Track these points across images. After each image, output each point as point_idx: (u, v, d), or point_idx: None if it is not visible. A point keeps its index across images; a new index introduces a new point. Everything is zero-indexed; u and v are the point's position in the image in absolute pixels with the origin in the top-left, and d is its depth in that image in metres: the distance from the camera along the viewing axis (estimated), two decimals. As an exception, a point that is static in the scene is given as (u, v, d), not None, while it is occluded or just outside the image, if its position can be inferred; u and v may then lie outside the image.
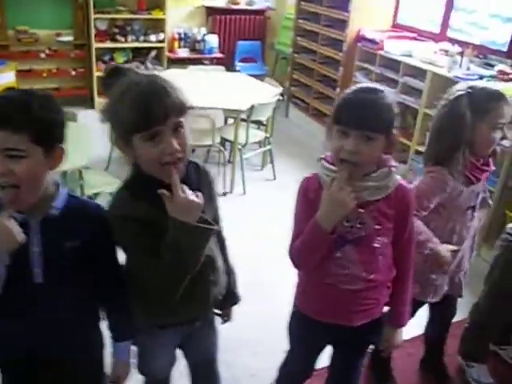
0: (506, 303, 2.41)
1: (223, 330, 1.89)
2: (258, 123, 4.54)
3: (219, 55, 6.74)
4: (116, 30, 6.34)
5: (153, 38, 6.42)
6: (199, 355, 1.89)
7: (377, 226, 1.59)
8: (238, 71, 6.62)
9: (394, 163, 1.61)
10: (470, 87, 1.95)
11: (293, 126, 6.03)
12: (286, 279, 1.89)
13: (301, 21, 5.99)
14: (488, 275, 2.45)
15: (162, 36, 6.42)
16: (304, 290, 1.79)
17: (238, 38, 6.93)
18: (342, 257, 1.61)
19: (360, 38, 4.99)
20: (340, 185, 1.48)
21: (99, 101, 6.02)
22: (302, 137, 5.67)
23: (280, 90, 4.55)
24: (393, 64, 4.61)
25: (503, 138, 1.99)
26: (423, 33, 4.91)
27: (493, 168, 2.08)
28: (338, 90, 5.28)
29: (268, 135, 4.48)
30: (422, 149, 4.31)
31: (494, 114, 1.90)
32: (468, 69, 4.08)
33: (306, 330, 1.85)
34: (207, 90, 4.46)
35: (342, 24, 5.17)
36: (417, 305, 2.17)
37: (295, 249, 1.64)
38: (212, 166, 4.63)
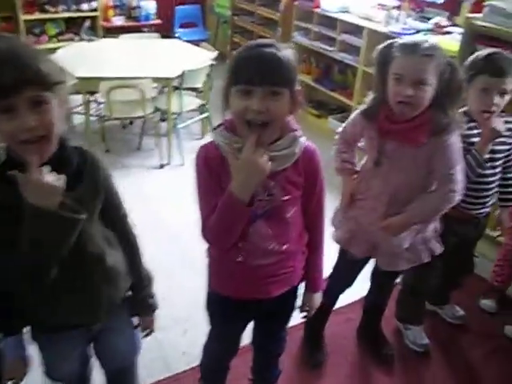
0: (433, 266, 2.36)
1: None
2: (195, 90, 4.35)
3: (157, 22, 6.47)
4: (44, 0, 5.98)
5: (85, 6, 6.09)
6: (112, 363, 1.76)
7: (286, 197, 1.49)
8: (178, 37, 6.38)
9: (297, 126, 1.50)
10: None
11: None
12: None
13: (237, -19, 5.76)
14: None
15: (94, 4, 6.11)
16: (216, 270, 1.68)
17: (176, 2, 6.64)
18: (253, 232, 1.50)
19: (296, -4, 4.81)
20: (251, 148, 1.36)
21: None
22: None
23: (215, 54, 4.36)
24: (331, 21, 4.47)
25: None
26: (360, -13, 4.76)
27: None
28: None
29: (204, 102, 4.30)
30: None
31: (395, 65, 1.75)
32: (405, 23, 3.97)
33: (224, 309, 1.75)
34: (137, 59, 4.25)
35: (278, -17, 4.97)
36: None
37: (211, 227, 1.48)
38: (149, 137, 4.46)
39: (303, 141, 1.49)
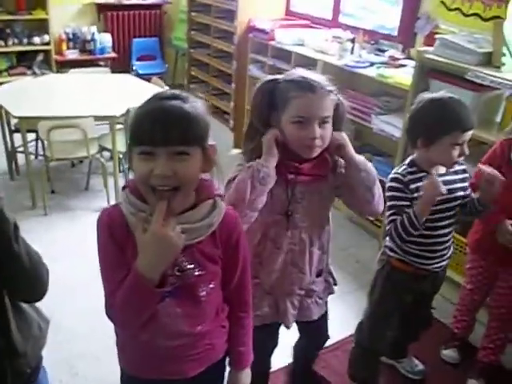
0: (386, 324, 2.19)
1: None
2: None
3: (113, 55, 6.29)
4: (-6, 34, 5.79)
5: (37, 40, 5.90)
6: None
7: (199, 272, 1.30)
8: (135, 71, 6.23)
9: (218, 191, 1.33)
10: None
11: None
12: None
13: (194, 13, 5.63)
14: (370, 293, 2.20)
15: (46, 38, 5.92)
16: (123, 347, 1.45)
17: (133, 35, 6.49)
18: (160, 311, 1.29)
19: (251, 29, 4.68)
20: (160, 219, 1.16)
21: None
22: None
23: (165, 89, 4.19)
24: (285, 54, 4.33)
25: None
26: (316, 20, 4.67)
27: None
28: (233, 85, 4.97)
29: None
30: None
31: (295, 107, 1.57)
32: (360, 56, 3.85)
33: None
34: (83, 96, 4.04)
35: (233, 14, 4.84)
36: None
37: (116, 308, 1.25)
38: (98, 176, 4.23)
39: (223, 207, 1.32)
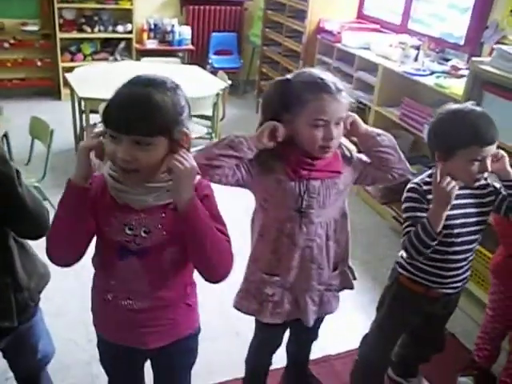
0: (390, 342, 2.11)
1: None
2: (207, 118, 4.27)
3: (190, 47, 6.44)
4: (83, 20, 6.10)
5: (120, 28, 6.16)
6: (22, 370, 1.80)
7: (165, 235, 1.36)
8: (210, 64, 6.35)
9: None
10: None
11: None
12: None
13: (269, 11, 5.66)
14: (378, 306, 2.12)
15: (129, 27, 6.16)
16: (95, 311, 1.55)
17: (213, 29, 6.62)
18: (124, 269, 1.39)
19: (320, 30, 4.65)
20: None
21: (65, 92, 5.77)
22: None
23: (225, 84, 4.26)
24: (350, 57, 4.27)
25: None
26: (386, 24, 4.55)
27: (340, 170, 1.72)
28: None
29: (210, 131, 4.18)
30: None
31: (312, 108, 1.57)
32: (423, 63, 3.72)
33: (108, 353, 1.62)
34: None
35: (304, 15, 4.81)
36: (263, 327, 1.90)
37: (51, 233, 1.37)
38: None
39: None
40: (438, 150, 1.78)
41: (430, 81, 3.41)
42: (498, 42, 3.30)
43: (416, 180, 1.86)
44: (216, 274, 1.38)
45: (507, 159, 1.75)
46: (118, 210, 1.34)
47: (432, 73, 3.53)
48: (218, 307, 2.69)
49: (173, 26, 6.29)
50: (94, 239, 1.41)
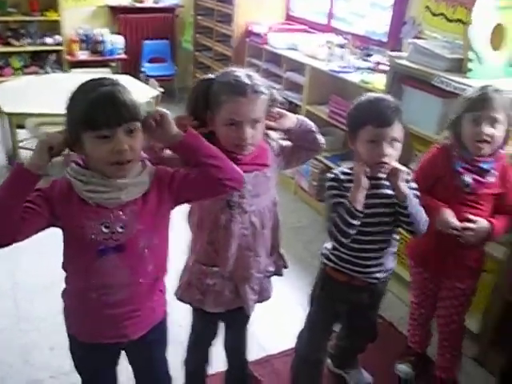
0: (324, 334, 2.14)
1: None
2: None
3: (123, 56, 6.37)
4: (9, 34, 5.94)
5: (50, 40, 6.03)
6: None
7: (140, 227, 1.46)
8: (143, 73, 6.29)
9: (144, 155, 1.51)
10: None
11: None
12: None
13: (199, 17, 5.69)
14: (310, 300, 2.15)
15: (58, 38, 6.04)
16: (71, 312, 1.59)
17: (145, 37, 6.56)
18: (105, 266, 1.46)
19: (248, 33, 4.69)
20: None
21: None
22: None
23: (155, 93, 4.24)
24: (278, 59, 4.32)
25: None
26: (313, 24, 4.64)
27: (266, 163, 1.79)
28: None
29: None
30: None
31: (226, 109, 1.62)
32: (349, 61, 3.80)
33: (85, 356, 1.64)
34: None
35: (232, 18, 4.85)
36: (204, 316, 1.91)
37: None
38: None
39: (151, 166, 1.51)
40: (347, 134, 1.89)
41: (355, 77, 3.49)
42: (416, 37, 3.40)
43: (335, 171, 1.94)
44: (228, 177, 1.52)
45: (402, 175, 1.79)
46: (90, 211, 1.40)
47: (357, 69, 3.61)
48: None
49: (103, 35, 6.20)
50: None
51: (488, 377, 2.49)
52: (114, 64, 6.34)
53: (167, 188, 1.51)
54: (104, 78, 1.40)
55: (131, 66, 6.37)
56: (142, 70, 6.36)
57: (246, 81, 1.62)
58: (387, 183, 1.84)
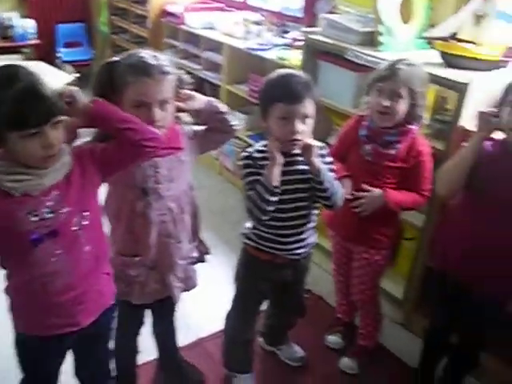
0: (250, 312, 2.15)
1: None
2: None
3: (36, 41, 6.06)
4: None
5: (-46, 27, 5.67)
6: None
7: (68, 209, 1.44)
8: (59, 58, 6.03)
9: None
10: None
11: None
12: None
13: (113, -3, 5.47)
14: (234, 280, 2.15)
15: (-38, 25, 5.69)
16: (19, 307, 1.55)
17: (58, 21, 6.27)
18: (43, 254, 1.44)
19: (164, 13, 4.57)
20: None
21: None
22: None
23: (69, 78, 4.08)
24: (196, 39, 4.23)
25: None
26: (230, 2, 4.58)
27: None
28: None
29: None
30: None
31: (133, 90, 1.60)
32: (266, 38, 3.77)
33: (35, 350, 1.60)
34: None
35: (147, -2, 4.71)
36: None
37: None
38: None
39: (67, 148, 1.48)
40: (260, 111, 1.86)
41: (272, 54, 3.48)
42: (330, 12, 3.42)
43: (249, 149, 1.92)
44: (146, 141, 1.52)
45: (315, 150, 1.79)
46: (14, 202, 1.37)
47: (274, 46, 3.60)
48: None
49: (13, 19, 5.86)
50: None
51: (414, 339, 2.57)
52: (26, 50, 6.03)
53: (90, 163, 1.51)
54: (13, 68, 1.35)
55: (45, 52, 6.07)
56: (58, 55, 6.10)
57: (152, 61, 1.61)
58: (302, 159, 1.84)
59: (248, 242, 2.02)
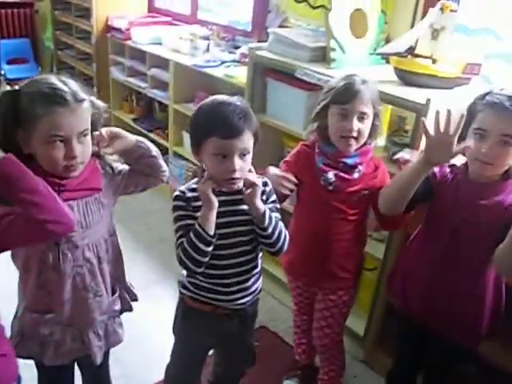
0: (192, 367, 1.91)
1: None
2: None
3: (-24, 59, 5.73)
4: None
5: None
6: None
7: None
8: (3, 75, 5.70)
9: None
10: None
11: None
12: None
13: (57, 12, 5.18)
14: (173, 330, 1.89)
15: None
16: None
17: (1, 36, 5.93)
18: None
19: (109, 28, 4.31)
20: None
21: None
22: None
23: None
24: (143, 55, 3.98)
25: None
26: (178, 16, 4.35)
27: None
28: (95, 89, 4.57)
29: None
30: (178, 150, 3.76)
31: (45, 124, 1.37)
32: (213, 54, 3.55)
33: None
34: None
35: (91, 13, 4.42)
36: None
37: None
38: None
39: None
40: (191, 144, 1.60)
41: (219, 72, 3.26)
42: (281, 26, 3.23)
43: (182, 188, 1.66)
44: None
45: (259, 191, 1.55)
46: None
47: (222, 63, 3.38)
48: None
49: None
50: None
51: (379, 378, 2.36)
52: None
53: None
54: None
55: (-13, 69, 5.75)
56: (1, 72, 5.76)
57: (64, 88, 1.38)
58: (242, 197, 1.60)
59: (184, 291, 1.77)
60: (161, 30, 4.01)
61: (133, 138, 1.61)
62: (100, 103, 1.53)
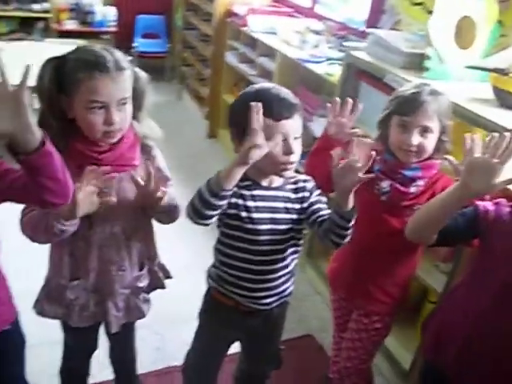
0: (212, 358, 1.87)
1: None
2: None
3: (113, 29, 6.07)
4: (-3, -3, 5.71)
5: (37, 6, 5.78)
6: None
7: None
8: (136, 48, 5.99)
9: None
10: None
11: (183, 111, 5.39)
12: None
13: (190, -7, 5.34)
14: (198, 317, 1.85)
15: (46, 5, 5.79)
16: None
17: (140, 11, 6.26)
18: None
19: (230, 13, 4.35)
20: None
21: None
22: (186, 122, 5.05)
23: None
24: (255, 43, 3.98)
25: None
26: (300, 8, 4.28)
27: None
28: (209, 71, 4.65)
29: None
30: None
31: (85, 89, 1.36)
32: (320, 50, 3.44)
33: None
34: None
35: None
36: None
37: None
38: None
39: None
40: (233, 129, 1.52)
41: (321, 68, 3.15)
42: (392, 29, 3.05)
43: None
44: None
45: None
46: None
47: (328, 59, 3.26)
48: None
49: (94, 6, 5.91)
50: None
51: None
52: (106, 37, 6.06)
53: None
54: None
55: (122, 40, 6.07)
56: (134, 45, 6.07)
57: (107, 55, 1.38)
58: (285, 195, 1.55)
59: (212, 283, 1.73)
60: (277, 21, 3.98)
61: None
62: (143, 74, 1.51)
